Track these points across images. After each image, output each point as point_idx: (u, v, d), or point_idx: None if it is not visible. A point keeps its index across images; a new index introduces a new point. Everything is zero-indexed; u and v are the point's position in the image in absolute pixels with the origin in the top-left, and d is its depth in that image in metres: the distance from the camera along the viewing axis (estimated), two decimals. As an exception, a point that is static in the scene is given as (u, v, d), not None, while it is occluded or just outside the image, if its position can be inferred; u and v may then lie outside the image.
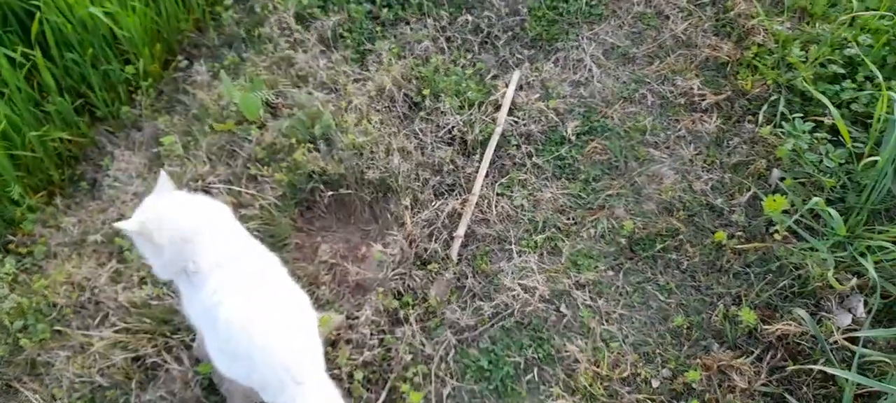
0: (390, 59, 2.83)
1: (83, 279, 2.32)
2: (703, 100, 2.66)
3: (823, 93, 2.49)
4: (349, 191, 2.50)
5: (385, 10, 3.01)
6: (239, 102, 2.69)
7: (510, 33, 2.95)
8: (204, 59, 3.09)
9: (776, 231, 2.24)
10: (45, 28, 2.79)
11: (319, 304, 2.22)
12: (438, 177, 2.54)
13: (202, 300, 1.73)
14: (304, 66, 2.86)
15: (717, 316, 2.14)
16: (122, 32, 2.92)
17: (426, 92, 2.73)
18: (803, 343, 2.04)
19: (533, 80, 2.80)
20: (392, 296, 2.23)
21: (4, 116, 2.60)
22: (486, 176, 2.55)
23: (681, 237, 2.32)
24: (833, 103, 2.46)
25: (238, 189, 2.50)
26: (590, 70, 2.81)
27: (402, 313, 2.20)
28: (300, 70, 2.86)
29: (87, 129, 2.91)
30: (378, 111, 2.70)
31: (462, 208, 2.45)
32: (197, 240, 1.74)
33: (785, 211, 2.21)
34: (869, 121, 2.40)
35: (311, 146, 2.56)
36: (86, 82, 2.94)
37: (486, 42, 2.94)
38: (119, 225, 1.72)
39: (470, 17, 2.98)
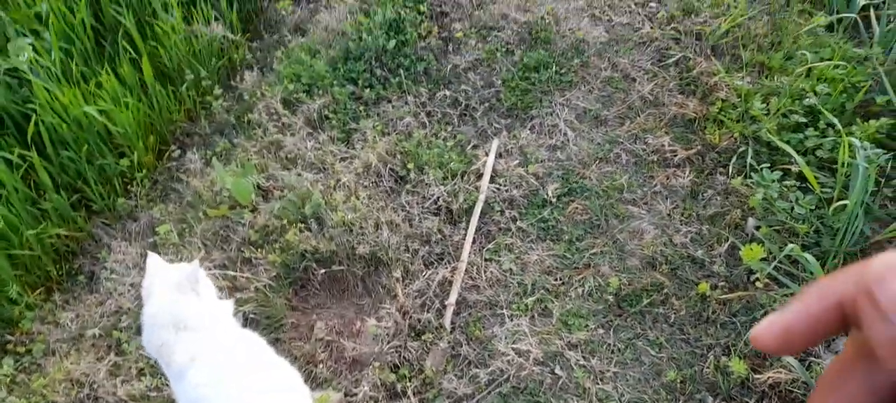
0: (374, 137, 2.81)
1: (82, 375, 2.23)
2: (675, 155, 2.66)
3: (788, 142, 2.49)
4: (341, 267, 2.44)
5: (367, 90, 3.01)
6: (231, 188, 2.65)
7: (487, 104, 2.95)
8: (196, 147, 3.06)
9: (757, 279, 2.21)
10: (41, 129, 2.76)
11: (317, 382, 2.14)
12: (427, 247, 2.49)
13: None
14: (292, 148, 2.83)
15: (708, 367, 2.08)
16: (117, 128, 2.90)
17: (411, 165, 2.71)
18: (795, 390, 1.98)
19: (511, 148, 2.79)
20: (389, 370, 2.15)
21: (2, 217, 2.55)
22: (474, 242, 2.51)
23: (666, 291, 2.27)
24: (798, 151, 2.46)
25: (233, 273, 2.44)
26: (565, 134, 2.80)
27: (399, 386, 2.12)
28: (289, 153, 2.83)
29: (84, 223, 2.85)
30: (365, 187, 2.67)
31: (452, 276, 2.40)
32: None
33: (764, 259, 2.18)
34: (835, 166, 2.40)
35: (303, 226, 2.51)
36: (82, 177, 2.90)
37: (465, 114, 2.94)
38: None
39: (448, 92, 2.98)
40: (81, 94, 2.85)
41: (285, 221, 2.52)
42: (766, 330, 0.34)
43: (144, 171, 2.99)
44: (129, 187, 2.99)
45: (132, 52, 3.14)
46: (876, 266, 0.31)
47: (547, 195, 2.61)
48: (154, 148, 3.11)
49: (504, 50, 3.09)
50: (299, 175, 2.69)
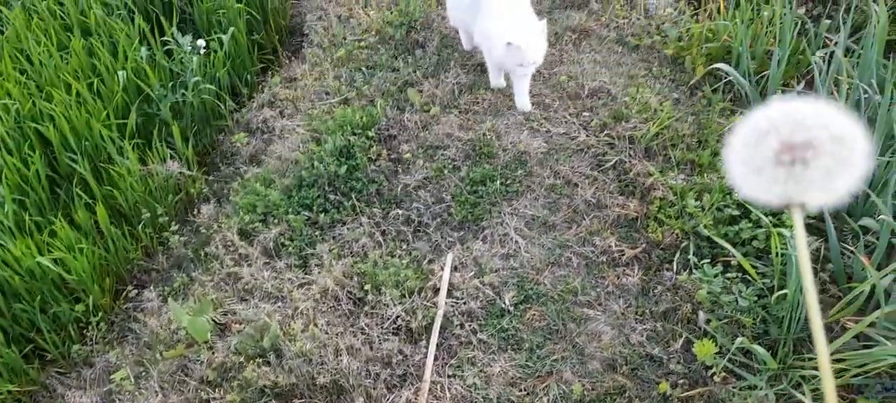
0: (331, 261, 2.73)
1: None
2: (623, 255, 2.64)
3: (725, 235, 2.49)
4: (302, 400, 2.30)
5: (322, 215, 2.95)
6: (187, 326, 2.51)
7: (439, 219, 2.91)
8: (154, 284, 2.93)
9: (714, 373, 2.15)
10: (-9, 284, 2.61)
11: None
12: (389, 370, 2.37)
13: None
14: (249, 279, 2.72)
15: (676, 470, 1.98)
16: (71, 276, 2.76)
17: (368, 286, 2.62)
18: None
19: (466, 260, 2.73)
20: None
21: (-53, 380, 2.35)
22: (436, 360, 2.40)
23: (628, 394, 2.19)
24: (735, 243, 2.47)
25: (191, 416, 2.27)
26: (516, 242, 2.77)
27: None
28: (247, 284, 2.72)
29: (37, 375, 2.66)
30: (324, 313, 2.56)
31: (415, 397, 2.27)
32: None
33: (718, 353, 2.13)
34: (771, 255, 2.40)
35: (261, 360, 2.38)
36: (35, 328, 2.72)
37: (419, 230, 2.89)
38: None
39: (400, 211, 2.94)
40: (35, 245, 2.72)
41: (243, 357, 2.39)
42: None
43: (100, 314, 2.83)
44: (84, 332, 2.82)
45: (87, 197, 3.04)
46: None
47: (504, 304, 2.54)
48: (110, 289, 2.96)
49: (451, 167, 3.09)
50: (257, 306, 2.58)
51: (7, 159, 2.94)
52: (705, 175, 2.79)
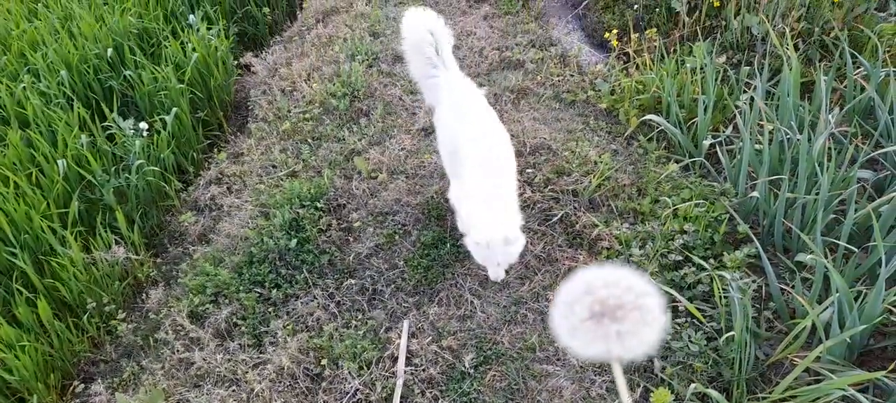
0: (285, 337, 2.64)
1: None
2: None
3: (671, 281, 2.52)
4: (263, 489, 2.18)
5: (274, 290, 2.86)
6: (138, 420, 2.37)
7: (393, 286, 2.86)
8: (102, 376, 2.77)
9: (672, 421, 2.13)
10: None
11: None
12: (351, 447, 2.28)
13: None
14: (202, 364, 2.60)
15: None
16: (13, 376, 2.58)
17: (324, 361, 2.54)
18: None
19: (423, 325, 2.68)
20: None
21: None
22: (397, 431, 2.32)
23: (590, 450, 2.15)
24: (681, 288, 2.49)
25: None
26: (471, 302, 2.73)
27: None
28: (199, 369, 2.60)
29: (-25, 488, 2.45)
30: (280, 392, 2.46)
31: (379, 474, 2.18)
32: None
33: (677, 399, 2.12)
34: (715, 298, 2.43)
35: (218, 449, 2.25)
36: (-28, 436, 2.53)
37: (374, 299, 2.83)
38: None
39: (354, 280, 2.88)
40: (-30, 348, 2.55)
41: (198, 448, 2.26)
42: None
43: (45, 414, 2.65)
44: (29, 434, 2.63)
45: (28, 292, 2.88)
46: None
47: (464, 367, 2.49)
48: (56, 386, 2.78)
49: (402, 232, 3.05)
50: (210, 393, 2.45)
51: (-60, 259, 2.77)
52: (647, 223, 2.84)
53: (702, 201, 2.85)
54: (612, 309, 0.74)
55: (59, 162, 3.35)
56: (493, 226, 2.32)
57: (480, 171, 2.47)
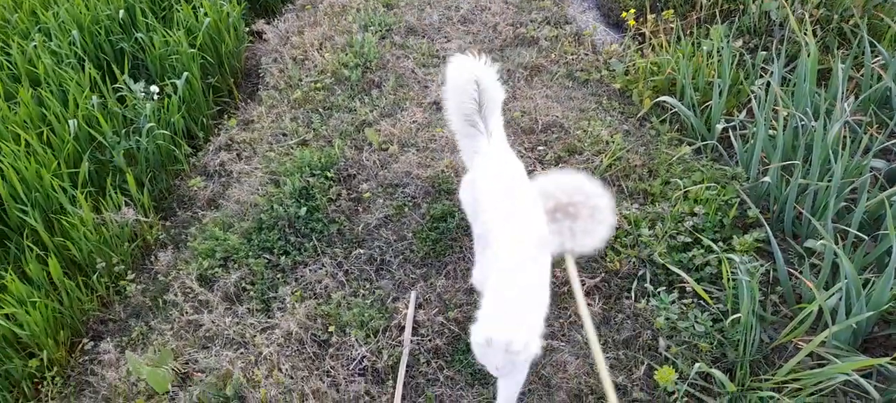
0: (294, 303, 2.68)
1: None
2: (583, 285, 2.66)
3: (679, 262, 2.55)
4: (269, 449, 2.23)
5: (283, 257, 2.90)
6: (147, 378, 2.42)
7: (401, 257, 2.90)
8: (111, 335, 2.82)
9: (676, 399, 2.17)
10: (-65, 345, 2.47)
11: None
12: (356, 412, 2.33)
13: None
14: (210, 326, 2.65)
15: None
16: (24, 331, 2.63)
17: (332, 328, 2.58)
18: None
19: (430, 296, 2.72)
20: None
21: None
22: (403, 399, 2.36)
23: (593, 424, 2.20)
24: (689, 269, 2.52)
25: (153, 472, 2.18)
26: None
27: None
28: (207, 331, 2.65)
29: (-14, 438, 2.51)
30: (288, 356, 2.50)
31: (384, 439, 2.23)
32: None
33: (680, 378, 2.16)
34: (723, 280, 2.46)
35: (226, 409, 2.31)
36: (-16, 388, 2.58)
37: (382, 269, 2.87)
38: None
39: (362, 250, 2.91)
40: (-17, 301, 2.60)
41: (207, 407, 2.31)
42: None
43: (56, 369, 2.70)
44: (39, 387, 2.69)
45: (39, 249, 2.93)
46: None
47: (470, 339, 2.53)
48: (65, 342, 2.83)
49: (411, 204, 3.08)
50: (219, 354, 2.50)
51: (-48, 213, 2.81)
52: (657, 204, 2.86)
53: (713, 184, 2.86)
54: (566, 208, 0.85)
55: (70, 122, 3.38)
56: (500, 325, 1.80)
57: (509, 267, 1.94)
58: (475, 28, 4.39)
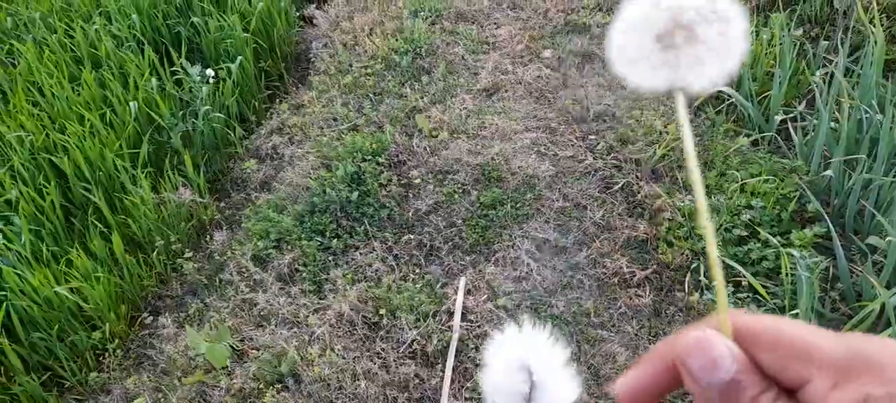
0: (345, 286, 2.76)
1: None
2: (634, 276, 2.67)
3: (734, 255, 2.53)
4: (323, 426, 2.32)
5: (335, 240, 2.98)
6: (206, 352, 2.53)
7: (451, 243, 2.95)
8: (169, 311, 2.95)
9: (728, 393, 2.17)
10: (11, 313, 2.62)
11: None
12: (406, 394, 2.40)
13: None
14: (265, 305, 2.75)
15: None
16: (88, 305, 2.78)
17: (383, 311, 2.65)
18: None
19: (479, 283, 2.76)
20: None
21: (-32, 411, 2.36)
22: (452, 383, 2.42)
23: (644, 415, 2.21)
24: (744, 263, 2.50)
25: (212, 443, 2.29)
26: (528, 265, 2.80)
27: None
28: (262, 310, 2.75)
29: (55, 404, 2.67)
30: (340, 337, 2.59)
31: (434, 421, 2.30)
32: None
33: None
34: (781, 275, 2.44)
35: (280, 385, 2.40)
36: (53, 356, 2.74)
37: (431, 255, 2.93)
38: None
39: (412, 236, 2.98)
40: (52, 275, 2.75)
41: (262, 383, 2.41)
42: (621, 385, 0.41)
43: (117, 342, 2.84)
44: (101, 359, 2.83)
45: (102, 226, 3.07)
46: (685, 340, 0.37)
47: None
48: (126, 317, 2.98)
49: (461, 191, 3.13)
50: (273, 332, 2.60)
51: (23, 190, 2.97)
52: (713, 196, 2.84)
53: (771, 177, 2.83)
54: (681, 27, 0.58)
55: (131, 104, 3.52)
56: None
57: None
58: (525, 14, 4.39)
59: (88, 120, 3.39)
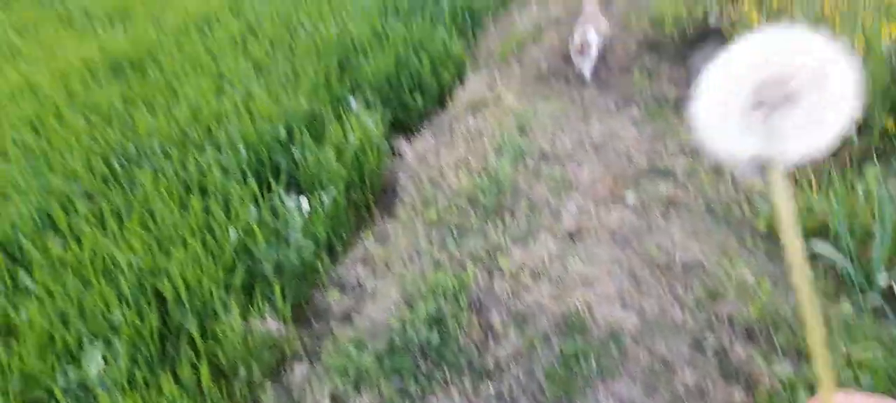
0: (422, 435, 2.66)
1: None
2: (728, 450, 2.43)
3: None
4: None
5: (413, 384, 2.91)
6: None
7: (530, 395, 2.81)
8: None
9: None
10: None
11: None
12: None
13: None
14: (340, 449, 2.67)
15: None
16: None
17: (459, 467, 2.51)
18: None
19: (559, 443, 2.59)
20: None
21: None
22: None
23: None
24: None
25: None
26: (612, 426, 2.61)
27: None
28: (337, 454, 2.67)
29: None
30: None
31: None
32: None
33: None
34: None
35: None
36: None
37: (510, 407, 2.79)
38: None
39: (491, 384, 2.86)
40: (142, 402, 2.79)
41: None
42: None
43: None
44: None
45: (191, 351, 3.13)
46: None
47: None
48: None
49: (542, 339, 3.01)
50: (348, 482, 2.50)
51: (126, 314, 3.09)
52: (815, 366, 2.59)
53: (877, 346, 2.57)
54: (782, 85, 0.47)
55: (231, 231, 3.67)
56: None
57: None
58: (608, 157, 4.37)
59: (191, 245, 3.54)
